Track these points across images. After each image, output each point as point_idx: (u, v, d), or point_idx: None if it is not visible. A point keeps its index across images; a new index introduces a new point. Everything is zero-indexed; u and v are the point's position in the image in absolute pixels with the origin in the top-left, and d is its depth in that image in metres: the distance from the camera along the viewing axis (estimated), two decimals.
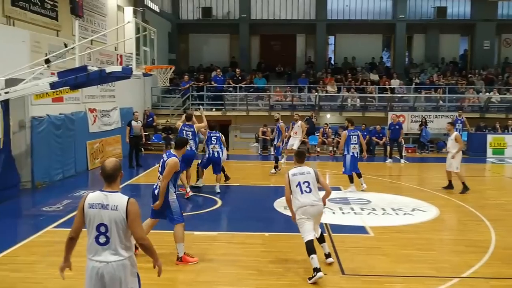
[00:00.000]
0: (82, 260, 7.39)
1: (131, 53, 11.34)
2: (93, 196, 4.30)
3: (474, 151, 20.62)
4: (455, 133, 13.31)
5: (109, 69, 10.70)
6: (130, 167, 16.30)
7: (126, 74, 10.84)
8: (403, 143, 20.10)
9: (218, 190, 12.45)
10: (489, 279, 6.91)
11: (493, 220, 9.77)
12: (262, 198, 12.32)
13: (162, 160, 7.51)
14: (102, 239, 4.28)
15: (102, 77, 10.79)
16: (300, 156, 7.39)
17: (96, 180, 14.81)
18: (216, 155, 12.53)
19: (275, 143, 16.49)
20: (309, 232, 6.90)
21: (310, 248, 6.74)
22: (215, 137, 12.61)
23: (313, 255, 6.67)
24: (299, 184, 7.02)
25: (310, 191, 7.05)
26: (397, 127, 19.41)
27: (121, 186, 11.77)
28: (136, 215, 4.28)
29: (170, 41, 27.35)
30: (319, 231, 7.34)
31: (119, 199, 4.25)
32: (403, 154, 19.54)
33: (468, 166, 18.92)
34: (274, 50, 29.09)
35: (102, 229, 4.27)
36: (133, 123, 16.66)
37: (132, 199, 4.30)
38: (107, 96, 17.92)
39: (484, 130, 22.01)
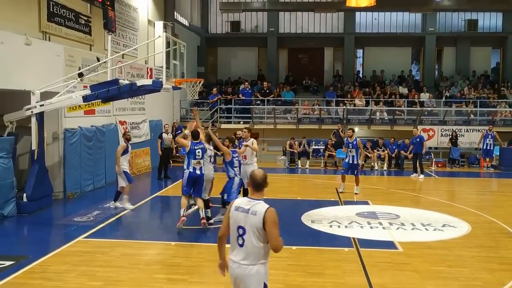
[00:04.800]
0: (110, 270, 7.57)
1: (161, 67, 11.54)
2: (240, 201, 4.65)
3: (507, 166, 20.15)
4: None
5: (139, 82, 10.91)
6: (159, 178, 16.50)
7: (156, 87, 11.02)
8: (422, 157, 19.56)
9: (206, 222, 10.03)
10: None
11: None
12: (289, 211, 12.29)
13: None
14: (240, 241, 4.56)
15: (133, 90, 10.99)
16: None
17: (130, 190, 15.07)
18: (198, 172, 10.06)
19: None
20: None
21: None
22: (199, 150, 10.17)
23: None
24: None
25: None
26: (418, 140, 18.81)
27: (150, 198, 11.93)
28: (273, 223, 4.49)
29: (199, 54, 27.74)
30: None
31: (260, 206, 4.52)
32: (422, 168, 18.44)
33: (500, 181, 18.53)
34: (302, 63, 29.17)
35: (240, 231, 4.55)
36: (164, 135, 16.91)
37: (271, 208, 4.54)
38: (137, 108, 18.24)
39: None
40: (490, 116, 23.25)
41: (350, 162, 14.40)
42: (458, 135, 21.79)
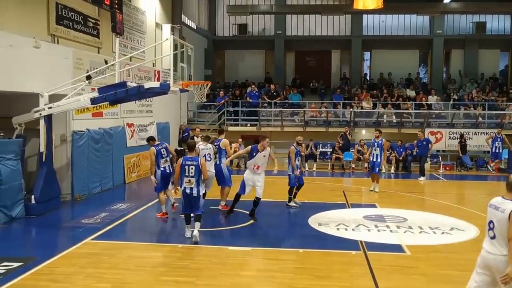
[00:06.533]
0: (117, 272, 7.59)
1: (169, 69, 11.56)
2: (495, 199, 5.37)
3: None
4: None
5: (147, 85, 10.93)
6: None
7: (163, 90, 11.04)
8: (427, 160, 19.66)
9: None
10: None
11: None
12: (296, 214, 12.26)
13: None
14: (490, 234, 5.34)
15: (141, 93, 11.02)
16: None
17: (133, 193, 15.11)
18: (188, 191, 9.28)
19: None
20: None
21: None
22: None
23: None
24: None
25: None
26: (424, 143, 18.98)
27: (157, 200, 11.89)
28: None
29: (206, 57, 27.80)
30: None
31: (508, 205, 5.14)
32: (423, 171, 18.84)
33: None
34: (309, 66, 29.16)
35: (491, 225, 5.33)
36: (195, 138, 16.92)
37: None
38: (144, 111, 18.30)
39: None
40: (498, 119, 23.11)
41: (374, 160, 15.38)
42: (467, 138, 21.66)
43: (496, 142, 20.47)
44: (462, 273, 7.74)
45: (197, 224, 9.36)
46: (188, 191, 9.30)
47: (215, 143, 12.26)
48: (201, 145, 11.72)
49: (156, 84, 11.26)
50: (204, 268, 7.94)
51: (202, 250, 8.86)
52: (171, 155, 11.63)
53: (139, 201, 13.24)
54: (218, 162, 12.03)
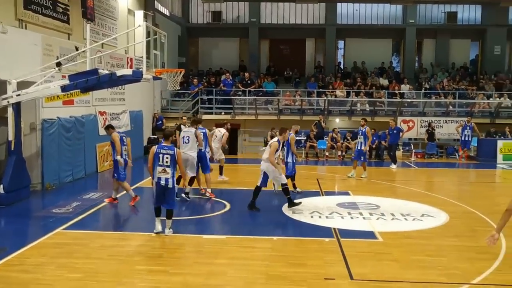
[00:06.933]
0: (89, 262, 7.49)
1: (141, 57, 11.41)
2: None
3: (484, 157, 20.52)
4: None
5: (119, 72, 10.75)
6: None
7: (136, 77, 10.89)
8: (398, 148, 20.02)
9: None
10: (500, 286, 6.85)
11: (507, 227, 9.67)
12: (270, 202, 12.31)
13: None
14: None
15: (113, 80, 10.84)
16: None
17: (106, 182, 14.91)
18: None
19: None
20: None
21: None
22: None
23: None
24: None
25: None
26: (395, 131, 19.20)
27: (131, 188, 11.76)
28: None
29: (180, 44, 27.49)
30: None
31: None
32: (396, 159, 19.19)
33: (478, 172, 18.85)
34: (284, 54, 29.15)
35: None
36: (182, 127, 16.74)
37: None
38: (117, 99, 18.02)
39: (494, 135, 21.88)
40: (468, 108, 23.59)
41: (359, 148, 15.89)
42: (437, 126, 22.07)
43: (466, 130, 20.92)
44: (433, 259, 7.95)
45: (169, 222, 8.95)
46: (163, 182, 8.76)
47: (202, 130, 12.46)
48: (184, 128, 12.20)
49: (128, 71, 11.09)
50: (178, 257, 7.91)
51: (176, 239, 8.81)
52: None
53: (111, 190, 13.06)
54: (203, 150, 12.33)
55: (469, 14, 28.40)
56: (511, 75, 27.24)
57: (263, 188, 11.32)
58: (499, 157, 20.55)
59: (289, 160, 12.84)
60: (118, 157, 11.22)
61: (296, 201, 11.31)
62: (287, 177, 12.93)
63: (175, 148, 8.96)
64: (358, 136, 16.07)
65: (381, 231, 9.45)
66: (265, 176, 11.18)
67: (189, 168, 11.80)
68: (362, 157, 15.82)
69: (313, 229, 9.70)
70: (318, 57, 29.06)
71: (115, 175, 11.35)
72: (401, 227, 9.88)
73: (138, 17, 20.39)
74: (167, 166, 8.75)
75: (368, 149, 16.41)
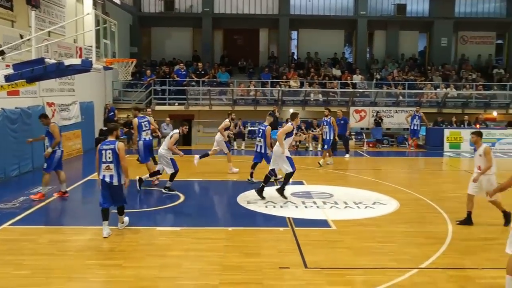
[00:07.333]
0: (38, 258, 7.25)
1: (91, 46, 11.06)
2: None
3: (432, 145, 21.23)
4: (484, 145, 9.31)
5: (67, 61, 10.37)
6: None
7: (85, 67, 10.53)
8: (349, 137, 20.43)
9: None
10: (447, 269, 7.10)
11: (450, 212, 10.05)
12: (225, 192, 12.29)
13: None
14: None
15: (61, 70, 10.44)
16: None
17: (54, 175, 14.45)
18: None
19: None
20: None
21: None
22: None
23: None
24: None
25: None
26: (342, 122, 19.23)
27: (82, 181, 11.45)
28: None
29: (131, 34, 26.87)
30: None
31: None
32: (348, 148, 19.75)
33: (427, 160, 19.48)
34: (237, 44, 29.00)
35: None
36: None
37: None
38: (66, 89, 17.44)
39: (441, 124, 22.66)
40: (417, 98, 24.29)
41: (324, 138, 16.82)
42: (387, 116, 22.65)
43: (415, 120, 21.53)
44: (384, 245, 8.17)
45: (122, 218, 8.61)
46: (107, 179, 8.23)
47: (141, 119, 12.79)
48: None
49: (77, 61, 10.70)
50: (131, 250, 7.77)
51: (129, 231, 8.65)
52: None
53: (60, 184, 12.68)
54: (148, 138, 12.65)
55: (417, 6, 29.13)
56: (457, 66, 28.23)
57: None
58: (446, 145, 21.31)
59: (267, 150, 13.11)
60: (50, 149, 10.99)
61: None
62: (255, 164, 13.35)
63: (117, 142, 8.35)
64: (323, 126, 16.83)
65: (334, 219, 9.61)
66: (290, 160, 11.12)
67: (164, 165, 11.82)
68: (326, 145, 16.65)
69: (268, 219, 9.77)
70: (272, 47, 29.10)
71: (45, 165, 11.10)
72: (353, 215, 10.09)
73: (87, 5, 19.76)
74: (110, 163, 8.20)
75: (338, 139, 17.22)
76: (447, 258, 7.55)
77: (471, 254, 7.77)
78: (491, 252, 7.83)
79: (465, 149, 20.73)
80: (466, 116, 23.18)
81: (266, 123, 13.29)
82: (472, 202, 9.28)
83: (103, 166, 8.25)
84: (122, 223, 8.72)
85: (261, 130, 13.32)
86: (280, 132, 11.09)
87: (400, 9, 28.22)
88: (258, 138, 13.38)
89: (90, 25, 10.76)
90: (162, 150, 11.81)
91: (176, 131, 11.86)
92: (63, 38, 16.13)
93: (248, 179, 13.16)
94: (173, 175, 11.81)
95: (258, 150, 13.27)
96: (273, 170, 11.35)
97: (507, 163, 18.60)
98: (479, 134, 9.42)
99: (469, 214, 9.32)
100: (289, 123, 11.26)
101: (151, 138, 13.04)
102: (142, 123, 12.85)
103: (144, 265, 7.06)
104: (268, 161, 13.01)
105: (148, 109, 16.98)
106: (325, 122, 16.69)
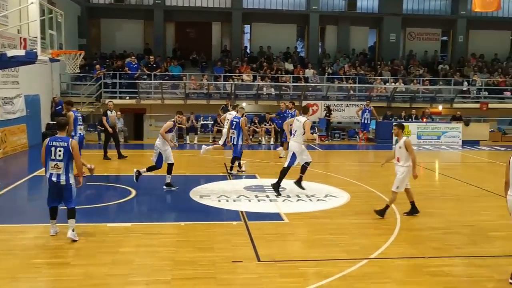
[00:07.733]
0: None
1: (36, 37, 10.66)
2: None
3: (381, 139, 21.75)
4: (404, 138, 9.58)
5: (10, 53, 10.02)
6: (105, 158, 15.59)
7: (30, 58, 10.20)
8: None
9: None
10: (395, 259, 7.32)
11: (398, 204, 10.31)
12: (178, 187, 12.16)
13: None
14: None
15: (3, 62, 10.10)
16: None
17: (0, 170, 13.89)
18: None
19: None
20: None
21: None
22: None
23: None
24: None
25: None
26: (284, 115, 19.32)
27: (27, 178, 11.04)
28: None
29: (80, 25, 26.03)
30: None
31: None
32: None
33: (376, 153, 19.97)
34: (190, 37, 28.68)
35: None
36: (108, 112, 15.76)
37: None
38: (9, 82, 16.74)
39: (390, 118, 23.28)
40: (367, 92, 24.85)
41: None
42: (339, 110, 23.12)
43: (365, 114, 22.03)
44: (335, 237, 8.32)
45: (72, 222, 7.72)
46: (54, 178, 7.65)
47: (76, 113, 12.76)
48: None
49: (21, 52, 10.37)
50: (80, 247, 7.55)
51: (78, 228, 8.36)
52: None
53: (6, 179, 12.19)
54: (81, 134, 12.64)
55: (367, 2, 29.74)
56: (405, 61, 29.05)
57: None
58: (395, 139, 21.82)
59: (239, 142, 13.27)
60: None
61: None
62: (235, 158, 13.45)
63: (70, 140, 7.77)
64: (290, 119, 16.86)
65: (287, 213, 9.70)
66: (293, 157, 11.08)
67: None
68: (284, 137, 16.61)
69: (221, 213, 9.76)
70: (224, 41, 28.98)
71: None
72: (306, 208, 10.21)
73: None
74: (60, 161, 7.59)
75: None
76: (396, 247, 7.78)
77: (417, 243, 8.03)
78: (436, 241, 8.13)
79: (413, 142, 21.26)
80: (413, 110, 23.91)
81: (239, 115, 13.38)
82: (409, 193, 9.61)
83: (51, 164, 7.65)
84: (73, 230, 7.72)
85: (234, 122, 13.37)
86: (307, 129, 11.10)
87: (350, 4, 28.76)
88: (231, 130, 13.43)
89: (35, 15, 10.36)
90: (158, 141, 11.57)
91: (304, 118, 11.23)
92: (5, 28, 15.39)
93: (238, 170, 13.68)
94: (152, 168, 11.57)
95: (235, 143, 13.42)
96: (307, 163, 11.34)
97: (451, 156, 19.35)
98: (401, 127, 9.72)
99: (413, 203, 9.66)
100: (307, 120, 11.23)
101: (84, 133, 12.86)
102: (78, 117, 12.55)
103: (94, 263, 6.89)
104: (236, 153, 13.08)
105: (110, 103, 16.56)
106: (290, 116, 16.52)
